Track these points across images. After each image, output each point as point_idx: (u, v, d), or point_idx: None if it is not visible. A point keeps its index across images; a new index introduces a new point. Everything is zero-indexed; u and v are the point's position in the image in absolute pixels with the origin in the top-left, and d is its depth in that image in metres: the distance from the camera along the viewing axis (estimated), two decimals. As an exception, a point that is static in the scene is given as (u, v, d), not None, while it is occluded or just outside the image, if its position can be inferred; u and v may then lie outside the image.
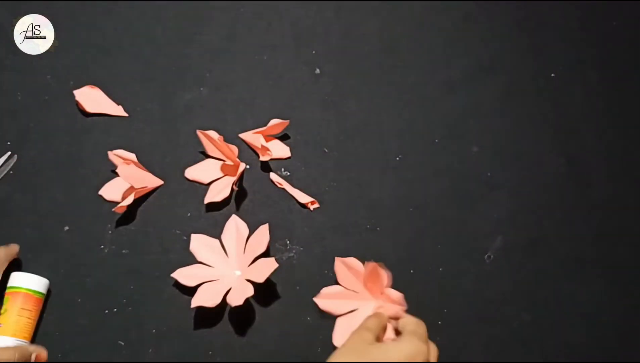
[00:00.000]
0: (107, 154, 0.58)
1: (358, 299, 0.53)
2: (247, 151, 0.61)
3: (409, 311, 0.56)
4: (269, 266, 0.52)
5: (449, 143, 0.62)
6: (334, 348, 0.52)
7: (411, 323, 0.48)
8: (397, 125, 0.62)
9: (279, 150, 0.60)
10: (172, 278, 0.53)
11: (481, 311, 0.56)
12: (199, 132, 0.58)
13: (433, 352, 0.47)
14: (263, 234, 0.54)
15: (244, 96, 0.63)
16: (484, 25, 0.67)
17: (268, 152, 0.59)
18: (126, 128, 0.61)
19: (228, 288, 0.52)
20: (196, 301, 0.52)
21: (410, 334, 0.46)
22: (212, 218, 0.58)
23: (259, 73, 0.64)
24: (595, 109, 0.64)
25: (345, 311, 0.53)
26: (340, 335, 0.52)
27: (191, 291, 0.53)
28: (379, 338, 0.47)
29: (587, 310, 0.56)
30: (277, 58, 0.64)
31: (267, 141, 0.60)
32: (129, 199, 0.56)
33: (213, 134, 0.57)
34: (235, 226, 0.56)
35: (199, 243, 0.55)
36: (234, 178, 0.57)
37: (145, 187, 0.58)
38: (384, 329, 0.49)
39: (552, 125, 0.63)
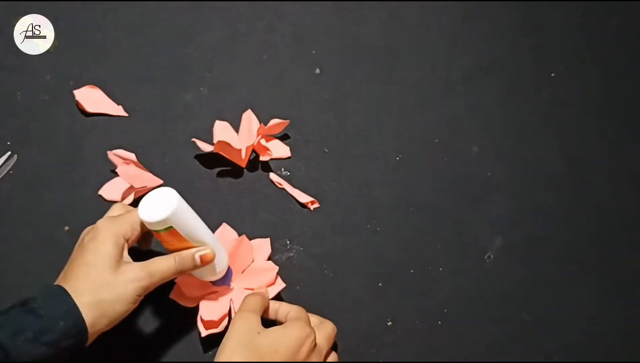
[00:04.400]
0: (107, 154, 0.58)
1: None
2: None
3: (407, 310, 0.56)
4: (268, 271, 0.53)
5: (449, 143, 0.62)
6: (334, 348, 0.52)
7: (292, 309, 0.49)
8: (397, 125, 0.63)
9: (279, 150, 0.61)
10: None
11: (481, 311, 0.56)
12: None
13: (331, 331, 0.49)
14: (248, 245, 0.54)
15: (244, 96, 0.63)
16: (484, 25, 0.67)
17: (268, 152, 0.59)
18: (126, 128, 0.61)
19: (230, 300, 0.52)
20: (203, 327, 0.51)
21: (295, 320, 0.47)
22: (212, 218, 0.57)
23: (259, 73, 0.64)
24: (595, 109, 0.64)
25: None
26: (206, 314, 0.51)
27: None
28: (265, 313, 0.49)
29: (587, 310, 0.56)
30: (277, 58, 0.64)
31: (267, 141, 0.60)
32: (129, 199, 0.56)
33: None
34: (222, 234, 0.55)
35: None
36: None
37: (145, 187, 0.58)
38: (267, 306, 0.50)
39: (552, 125, 0.63)
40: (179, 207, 0.47)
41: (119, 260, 0.45)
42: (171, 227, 0.47)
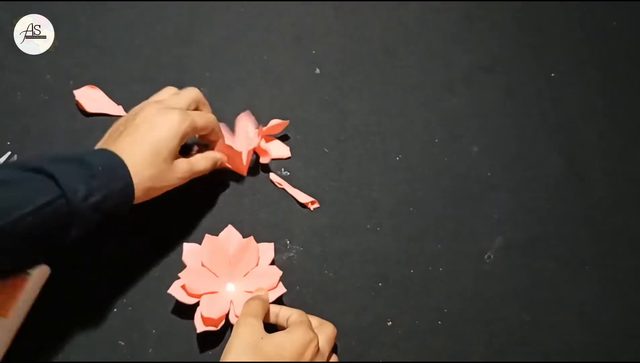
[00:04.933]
0: (107, 154, 0.58)
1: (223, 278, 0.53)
2: (247, 151, 0.61)
3: (407, 310, 0.56)
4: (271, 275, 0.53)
5: (449, 143, 0.62)
6: (334, 349, 0.52)
7: (293, 313, 0.49)
8: (397, 125, 0.63)
9: (280, 150, 0.60)
10: (172, 278, 0.53)
11: (481, 311, 0.56)
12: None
13: (331, 333, 0.49)
14: (253, 247, 0.54)
15: (244, 96, 0.63)
16: (484, 25, 0.67)
17: (268, 153, 0.59)
18: (126, 128, 0.61)
19: (230, 302, 0.52)
20: (199, 325, 0.51)
21: (298, 324, 0.47)
22: (212, 218, 0.58)
23: (259, 73, 0.64)
24: (595, 109, 0.64)
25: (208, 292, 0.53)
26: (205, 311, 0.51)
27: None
28: (265, 317, 0.49)
29: (587, 310, 0.56)
30: (277, 58, 0.64)
31: (267, 141, 0.60)
32: (129, 199, 0.56)
33: None
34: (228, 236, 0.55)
35: (192, 253, 0.54)
36: None
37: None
38: (267, 310, 0.50)
39: (552, 125, 0.63)
40: None
41: (176, 155, 0.50)
42: None
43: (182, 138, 0.50)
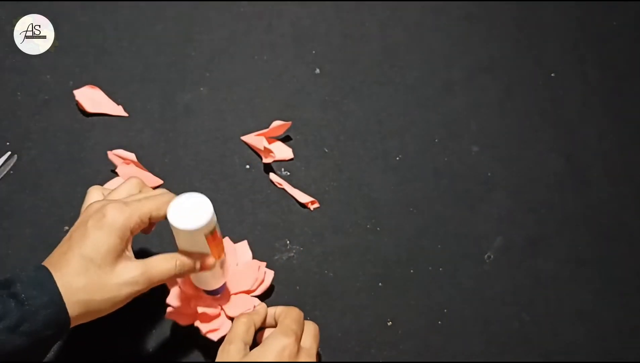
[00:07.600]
0: (107, 154, 0.58)
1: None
2: (248, 151, 0.61)
3: (407, 310, 0.56)
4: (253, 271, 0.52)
5: (449, 143, 0.62)
6: (334, 348, 0.52)
7: (277, 310, 0.49)
8: (397, 125, 0.63)
9: (282, 152, 0.60)
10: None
11: (481, 311, 0.56)
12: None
13: (314, 330, 0.48)
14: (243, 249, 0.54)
15: (244, 96, 0.63)
16: (484, 25, 0.67)
17: (271, 154, 0.59)
18: (126, 128, 0.61)
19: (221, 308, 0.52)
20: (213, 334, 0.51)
21: (272, 335, 0.46)
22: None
23: (259, 73, 0.64)
24: (595, 109, 0.64)
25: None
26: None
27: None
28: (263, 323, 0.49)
29: (587, 310, 0.56)
30: (277, 58, 0.64)
31: (269, 143, 0.60)
32: (129, 200, 0.56)
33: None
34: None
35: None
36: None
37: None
38: (263, 319, 0.49)
39: (552, 125, 0.63)
40: (214, 215, 0.44)
41: (120, 256, 0.42)
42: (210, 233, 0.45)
43: (123, 234, 0.42)
